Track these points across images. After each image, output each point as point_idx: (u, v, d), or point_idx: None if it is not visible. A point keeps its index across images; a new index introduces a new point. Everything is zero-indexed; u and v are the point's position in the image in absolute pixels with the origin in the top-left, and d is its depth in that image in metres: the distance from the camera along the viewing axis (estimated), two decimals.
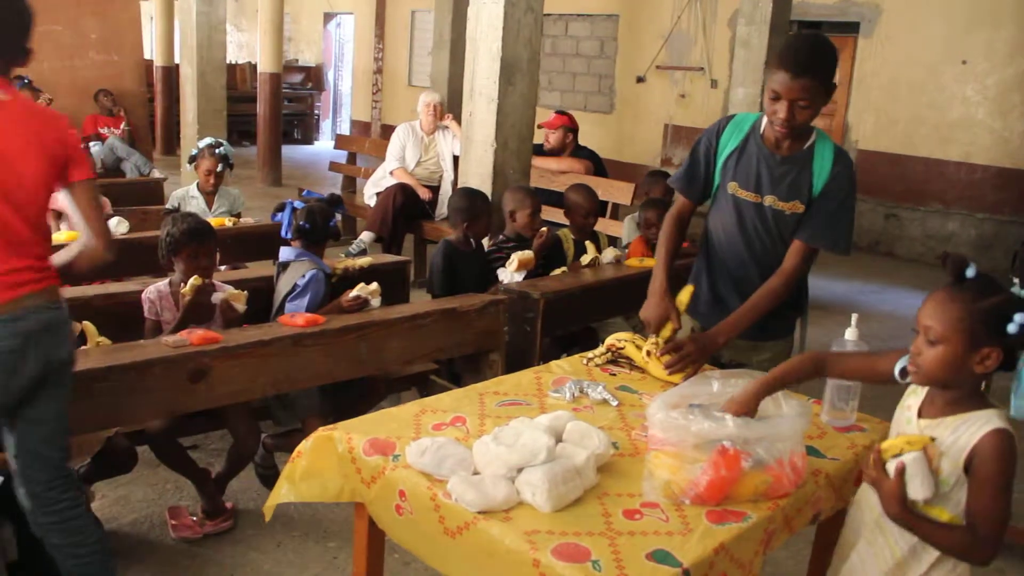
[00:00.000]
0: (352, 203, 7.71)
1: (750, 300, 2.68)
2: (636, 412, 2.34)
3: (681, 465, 1.86)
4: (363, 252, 6.56)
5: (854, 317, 2.40)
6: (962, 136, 8.99)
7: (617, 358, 2.74)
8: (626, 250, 4.81)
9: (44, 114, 2.45)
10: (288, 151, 12.84)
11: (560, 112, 6.76)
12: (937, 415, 1.83)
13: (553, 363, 2.73)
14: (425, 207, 6.90)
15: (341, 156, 9.28)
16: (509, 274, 4.16)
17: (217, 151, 5.07)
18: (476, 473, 1.87)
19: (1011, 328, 1.68)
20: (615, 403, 2.40)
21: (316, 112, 17.03)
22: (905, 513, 1.76)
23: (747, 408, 1.97)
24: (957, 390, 1.80)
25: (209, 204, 5.14)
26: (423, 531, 1.86)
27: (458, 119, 6.34)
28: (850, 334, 2.34)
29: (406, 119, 7.77)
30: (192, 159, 5.21)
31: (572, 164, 6.52)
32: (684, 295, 2.81)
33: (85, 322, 3.15)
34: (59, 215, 4.88)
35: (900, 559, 1.85)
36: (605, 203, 6.12)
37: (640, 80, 11.58)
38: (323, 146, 15.98)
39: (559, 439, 1.99)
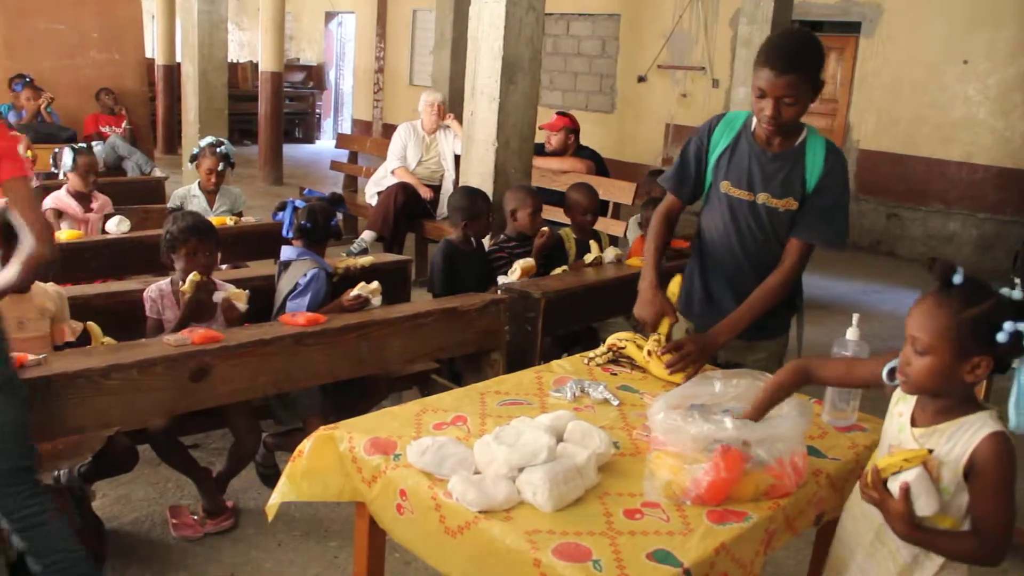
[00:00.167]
0: (353, 202, 7.71)
1: (749, 299, 2.68)
2: (637, 412, 2.34)
3: (682, 466, 1.86)
4: (364, 251, 6.56)
5: (855, 317, 2.40)
6: (964, 136, 8.98)
7: (618, 358, 2.74)
8: (628, 249, 4.81)
9: None
10: (289, 150, 12.84)
11: (561, 113, 6.75)
12: (930, 423, 1.80)
13: (554, 363, 2.73)
14: (426, 206, 6.90)
15: (342, 155, 9.28)
16: (511, 281, 4.16)
17: (218, 150, 5.08)
18: (477, 472, 1.87)
19: (1000, 337, 1.65)
20: (616, 403, 2.40)
21: (317, 111, 17.03)
22: (915, 531, 1.74)
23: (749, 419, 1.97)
24: (950, 396, 1.78)
25: (210, 203, 5.14)
26: (424, 530, 1.86)
27: (459, 118, 6.34)
28: (851, 334, 2.34)
29: (407, 118, 7.77)
30: (193, 158, 5.22)
31: (574, 164, 6.52)
32: (674, 286, 2.81)
33: (89, 323, 3.16)
34: (59, 213, 4.90)
35: (903, 566, 1.84)
36: (606, 202, 6.12)
37: (641, 79, 11.58)
38: (324, 145, 15.99)
39: (560, 439, 1.99)
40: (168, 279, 3.39)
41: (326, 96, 17.33)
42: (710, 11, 10.68)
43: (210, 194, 5.16)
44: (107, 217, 4.87)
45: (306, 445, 2.11)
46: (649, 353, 2.65)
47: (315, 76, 17.20)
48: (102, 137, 8.75)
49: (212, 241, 3.37)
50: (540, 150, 6.38)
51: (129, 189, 6.24)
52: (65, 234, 4.48)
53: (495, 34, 4.88)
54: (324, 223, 3.60)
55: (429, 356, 3.71)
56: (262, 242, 4.92)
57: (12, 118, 8.17)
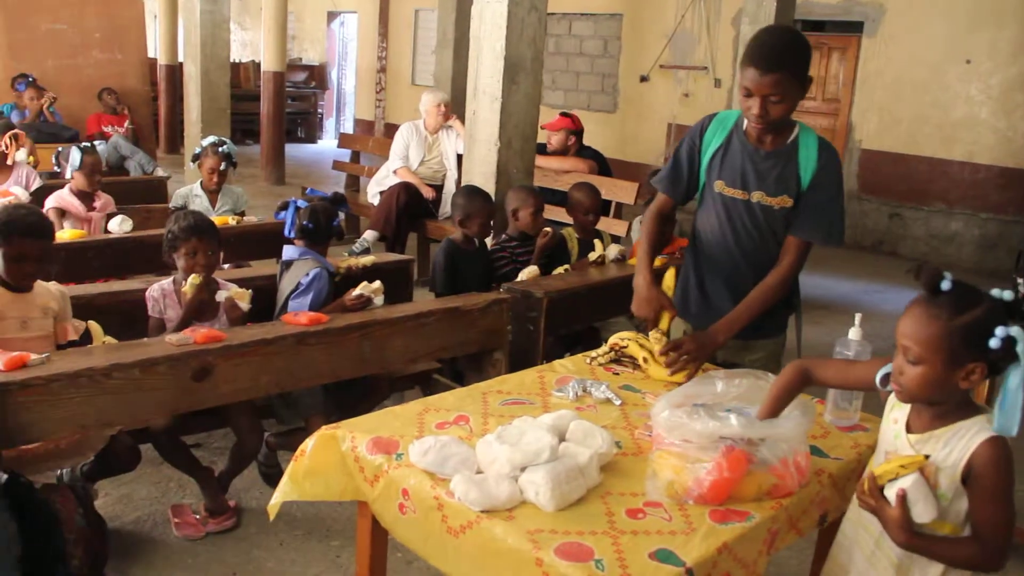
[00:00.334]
0: (356, 202, 7.70)
1: (748, 298, 2.67)
2: (639, 411, 2.34)
3: (684, 465, 1.86)
4: (367, 251, 6.56)
5: (858, 317, 2.40)
6: (966, 136, 8.98)
7: (620, 357, 2.74)
8: (630, 249, 4.80)
9: None
10: (291, 150, 12.85)
11: (564, 114, 6.75)
12: (926, 428, 1.79)
13: (556, 362, 2.73)
14: (428, 206, 6.90)
15: (344, 155, 9.28)
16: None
17: (220, 149, 5.08)
18: (479, 472, 1.88)
19: (992, 343, 1.63)
20: (618, 402, 2.40)
21: (319, 111, 17.03)
22: (913, 539, 1.73)
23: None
24: (946, 403, 1.76)
25: (213, 203, 5.14)
26: (426, 530, 1.86)
27: (462, 118, 6.34)
28: (854, 334, 2.34)
29: (409, 118, 7.77)
30: (195, 158, 5.22)
31: (576, 164, 6.51)
32: (668, 279, 2.81)
33: (91, 321, 3.16)
34: (62, 212, 4.90)
35: (896, 563, 1.82)
36: (608, 202, 6.12)
37: (644, 79, 11.57)
38: (326, 145, 15.99)
39: (562, 438, 1.99)
40: (170, 278, 3.39)
41: (328, 96, 17.33)
42: (712, 11, 10.67)
43: (212, 194, 5.16)
44: (109, 216, 4.88)
45: (308, 444, 2.11)
46: (645, 360, 2.65)
47: (317, 76, 17.20)
48: (104, 137, 8.77)
49: (214, 240, 3.37)
50: (542, 150, 6.39)
51: (131, 189, 6.25)
52: (68, 233, 4.48)
53: (497, 34, 4.88)
54: (326, 223, 3.60)
55: (431, 356, 3.71)
56: (264, 242, 4.92)
57: (15, 118, 8.17)
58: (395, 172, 7.00)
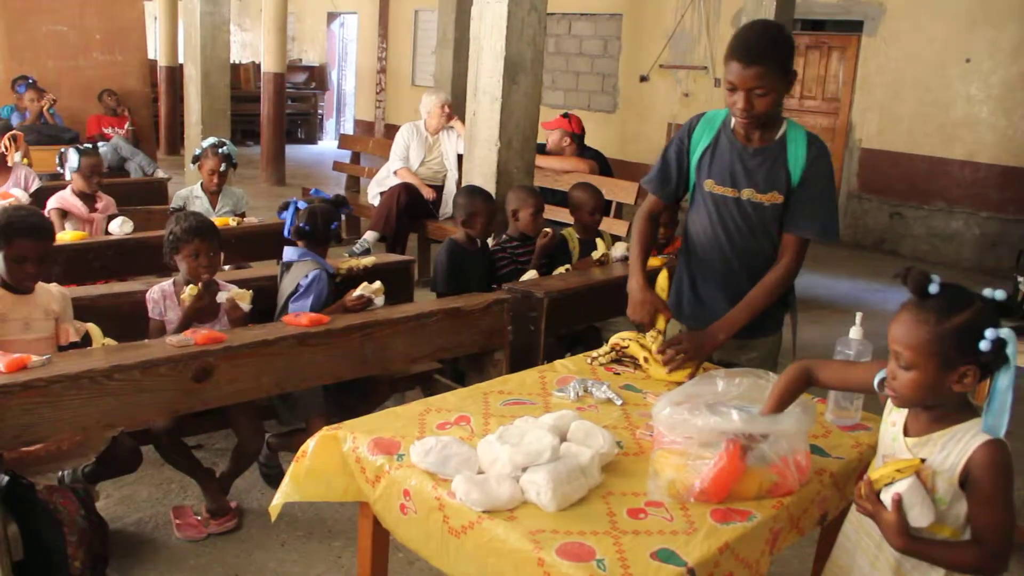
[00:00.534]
0: (356, 202, 7.70)
1: (748, 297, 2.67)
2: (640, 411, 2.34)
3: (686, 463, 1.86)
4: (367, 251, 6.56)
5: (858, 316, 2.40)
6: (966, 135, 8.97)
7: (621, 357, 2.74)
8: None
9: None
10: (292, 151, 12.85)
11: (565, 115, 6.75)
12: (924, 432, 1.78)
13: (557, 362, 2.73)
14: (429, 207, 6.90)
15: (345, 156, 9.28)
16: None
17: (220, 150, 5.08)
18: (480, 472, 1.88)
19: (983, 346, 1.62)
20: (619, 402, 2.40)
21: (320, 112, 17.03)
22: (910, 543, 1.71)
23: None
24: (942, 406, 1.75)
25: (213, 204, 5.14)
26: (427, 530, 1.86)
27: (462, 118, 6.34)
28: (855, 333, 2.34)
29: (409, 118, 7.77)
30: (196, 159, 5.22)
31: (576, 164, 6.51)
32: (662, 281, 2.82)
33: (90, 324, 3.16)
34: (64, 213, 4.90)
35: (896, 567, 1.82)
36: (609, 202, 6.12)
37: (643, 79, 11.57)
38: (327, 146, 15.99)
39: (563, 438, 1.99)
40: (171, 280, 3.39)
41: (328, 97, 17.33)
42: (712, 10, 10.67)
43: (212, 195, 5.16)
44: (110, 218, 4.88)
45: (309, 445, 2.11)
46: (646, 360, 2.65)
47: (317, 77, 17.20)
48: (105, 138, 8.77)
49: (215, 241, 3.37)
50: (543, 150, 6.39)
51: (132, 190, 6.24)
52: (69, 235, 4.49)
53: (497, 34, 4.88)
54: (323, 225, 3.59)
55: (432, 356, 3.71)
56: (265, 243, 4.92)
57: (15, 119, 8.18)
58: (395, 173, 7.00)
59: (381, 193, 7.01)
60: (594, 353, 2.77)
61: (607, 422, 2.22)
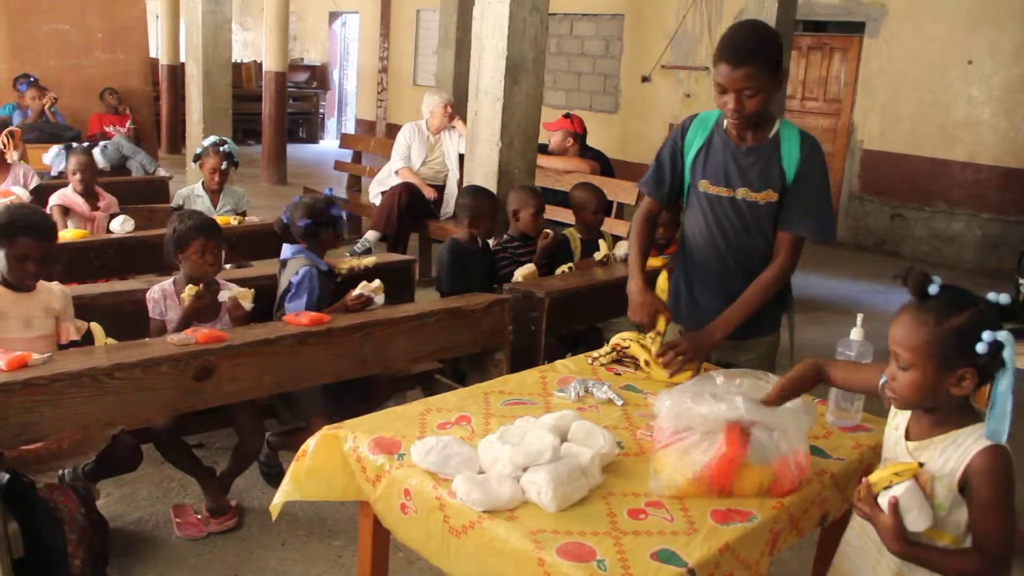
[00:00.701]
0: (357, 202, 7.71)
1: (744, 296, 2.67)
2: (641, 411, 2.35)
3: (681, 459, 1.86)
4: (368, 251, 6.56)
5: (859, 317, 2.40)
6: (967, 136, 8.97)
7: (622, 357, 2.74)
8: None
9: None
10: (293, 150, 12.86)
11: (568, 116, 6.75)
12: (925, 436, 1.76)
13: (558, 362, 2.73)
14: (430, 206, 6.90)
15: (346, 155, 9.28)
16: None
17: (222, 149, 5.08)
18: (481, 472, 1.88)
19: (980, 348, 1.60)
20: (620, 402, 2.40)
21: (321, 111, 17.04)
22: (906, 548, 1.69)
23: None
24: (942, 409, 1.74)
25: (214, 203, 5.14)
26: (428, 530, 1.86)
27: (463, 118, 6.34)
28: (855, 334, 2.34)
29: (411, 118, 7.77)
30: (197, 158, 5.22)
31: (578, 164, 6.51)
32: (662, 282, 2.83)
33: (93, 323, 3.16)
34: (65, 211, 4.90)
35: (897, 572, 1.81)
36: (611, 202, 6.12)
37: (645, 79, 11.57)
38: (328, 145, 16.00)
39: (564, 438, 1.99)
40: (171, 279, 3.39)
41: (330, 96, 17.33)
42: (714, 11, 10.66)
43: (214, 193, 5.16)
44: (112, 217, 4.88)
45: (310, 445, 2.11)
46: (647, 362, 2.65)
47: (319, 76, 17.21)
48: (106, 137, 8.77)
49: (220, 239, 3.38)
50: (544, 149, 6.39)
51: (133, 189, 6.24)
52: (70, 233, 4.49)
53: (499, 34, 4.88)
54: (298, 221, 3.56)
55: (433, 356, 3.71)
56: (266, 242, 4.91)
57: (17, 118, 8.18)
58: (397, 172, 7.00)
59: (382, 193, 7.01)
60: (595, 353, 2.77)
61: (608, 422, 2.22)
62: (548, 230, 4.47)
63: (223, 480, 3.32)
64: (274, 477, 3.48)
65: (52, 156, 5.12)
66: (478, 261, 4.34)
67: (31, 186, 5.30)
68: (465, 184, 5.28)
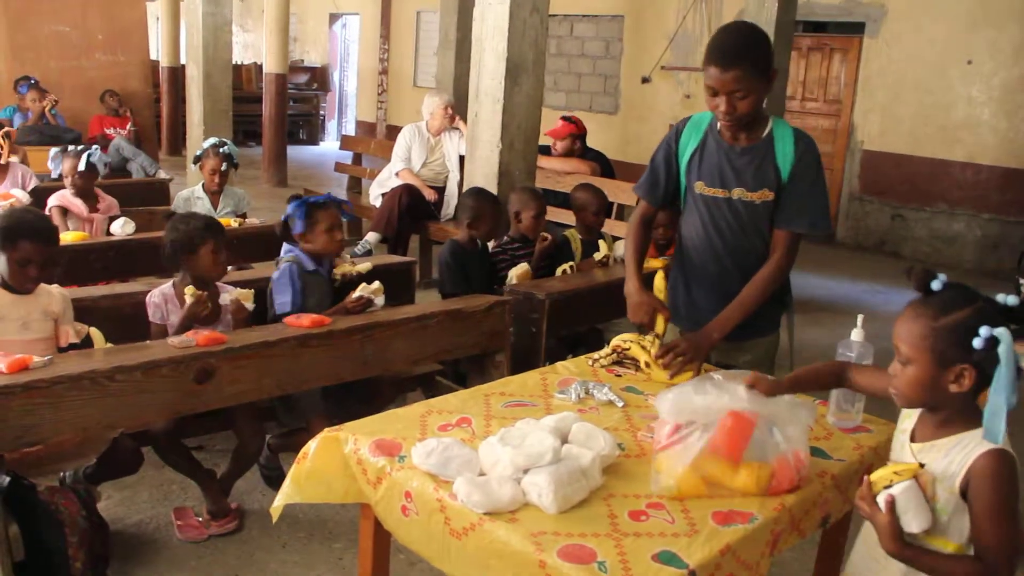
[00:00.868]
0: (357, 204, 7.71)
1: (741, 295, 2.68)
2: (642, 413, 2.34)
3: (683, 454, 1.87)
4: (368, 253, 6.57)
5: (860, 318, 2.39)
6: (967, 136, 8.97)
7: (623, 359, 2.74)
8: None
9: None
10: (293, 152, 12.86)
11: (567, 118, 6.75)
12: (929, 438, 1.75)
13: (559, 364, 2.73)
14: (431, 208, 6.91)
15: (346, 157, 9.28)
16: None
17: (221, 150, 5.08)
18: (482, 474, 1.88)
19: (976, 343, 1.59)
20: (621, 404, 2.40)
21: (321, 113, 17.05)
22: (902, 548, 1.67)
23: (769, 391, 1.97)
24: (946, 410, 1.72)
25: (214, 204, 5.14)
26: (429, 532, 1.86)
27: (464, 120, 6.34)
28: (856, 335, 2.34)
29: (411, 120, 7.77)
30: (197, 159, 5.22)
31: (578, 165, 6.51)
32: (658, 281, 2.83)
33: (92, 328, 3.15)
34: (64, 212, 4.90)
35: (903, 573, 1.79)
36: (611, 204, 6.12)
37: (645, 80, 11.57)
38: (328, 147, 15.99)
39: (565, 440, 1.99)
40: (170, 283, 3.37)
41: (330, 98, 17.34)
42: (714, 12, 10.66)
43: (214, 195, 5.16)
44: (112, 219, 4.88)
45: (311, 447, 2.11)
46: (647, 364, 2.66)
47: (319, 78, 17.22)
48: (107, 139, 8.78)
49: (225, 239, 3.38)
50: (545, 150, 6.39)
51: (133, 191, 6.25)
52: (70, 235, 4.49)
53: (499, 36, 4.88)
54: (290, 221, 3.56)
55: (433, 358, 3.71)
56: (267, 244, 4.91)
57: (17, 120, 8.19)
58: (397, 174, 7.00)
59: (383, 194, 7.02)
60: (595, 355, 2.77)
61: (608, 424, 2.22)
62: (546, 233, 4.47)
63: (223, 482, 3.32)
64: (275, 479, 3.48)
65: (50, 158, 5.14)
66: (477, 262, 4.34)
67: (29, 187, 5.30)
68: (466, 186, 5.28)
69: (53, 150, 5.08)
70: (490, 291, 4.11)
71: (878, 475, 1.73)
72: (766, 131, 2.68)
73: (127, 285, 3.85)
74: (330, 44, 17.34)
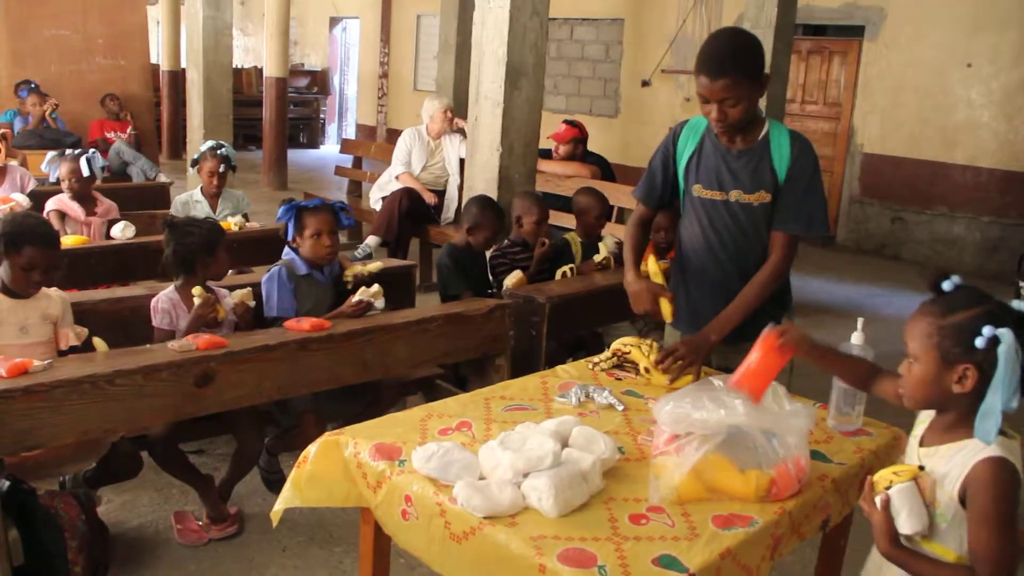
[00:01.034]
0: (358, 207, 7.71)
1: (739, 296, 2.68)
2: (642, 417, 2.34)
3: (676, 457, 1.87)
4: (369, 256, 6.57)
5: (860, 321, 2.39)
6: (967, 139, 8.97)
7: (623, 363, 2.73)
8: None
9: None
10: (294, 155, 12.86)
11: (569, 122, 6.75)
12: (935, 442, 1.74)
13: (559, 368, 2.73)
14: (431, 212, 6.91)
15: (347, 160, 9.28)
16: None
17: (218, 152, 5.07)
18: (482, 478, 1.87)
19: (978, 342, 1.58)
20: (621, 408, 2.39)
21: (322, 116, 17.06)
22: (894, 549, 1.66)
23: (797, 342, 1.99)
24: (953, 414, 1.71)
25: (213, 207, 5.13)
26: (429, 536, 1.86)
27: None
28: (856, 338, 2.34)
29: (411, 123, 7.77)
30: (195, 163, 5.22)
31: (578, 169, 6.52)
32: (652, 265, 2.86)
33: (96, 338, 3.14)
34: (62, 216, 4.90)
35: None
36: (611, 207, 6.12)
37: (645, 84, 11.58)
38: (329, 150, 16.00)
39: (565, 444, 1.99)
40: (172, 287, 3.34)
41: (330, 101, 17.35)
42: (714, 15, 10.67)
43: (212, 198, 5.15)
44: (112, 223, 4.88)
45: (311, 451, 2.11)
46: (647, 370, 2.65)
47: (319, 81, 17.23)
48: (107, 143, 8.78)
49: (226, 240, 3.40)
50: (546, 154, 6.39)
51: (134, 195, 6.26)
52: (70, 239, 4.49)
53: (499, 39, 4.89)
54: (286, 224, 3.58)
55: (434, 361, 3.71)
56: (267, 247, 4.90)
57: (18, 124, 8.20)
58: (397, 177, 7.00)
59: (383, 198, 7.02)
60: (596, 358, 2.76)
61: (609, 428, 2.22)
62: (545, 239, 4.47)
63: (223, 487, 3.32)
64: (275, 483, 3.48)
65: (46, 162, 5.17)
66: (475, 264, 4.34)
67: (28, 189, 5.31)
68: (466, 189, 5.28)
69: (49, 154, 5.10)
70: (484, 294, 4.12)
71: (880, 475, 1.74)
72: (762, 133, 2.69)
73: (127, 288, 3.84)
74: (330, 48, 17.35)
